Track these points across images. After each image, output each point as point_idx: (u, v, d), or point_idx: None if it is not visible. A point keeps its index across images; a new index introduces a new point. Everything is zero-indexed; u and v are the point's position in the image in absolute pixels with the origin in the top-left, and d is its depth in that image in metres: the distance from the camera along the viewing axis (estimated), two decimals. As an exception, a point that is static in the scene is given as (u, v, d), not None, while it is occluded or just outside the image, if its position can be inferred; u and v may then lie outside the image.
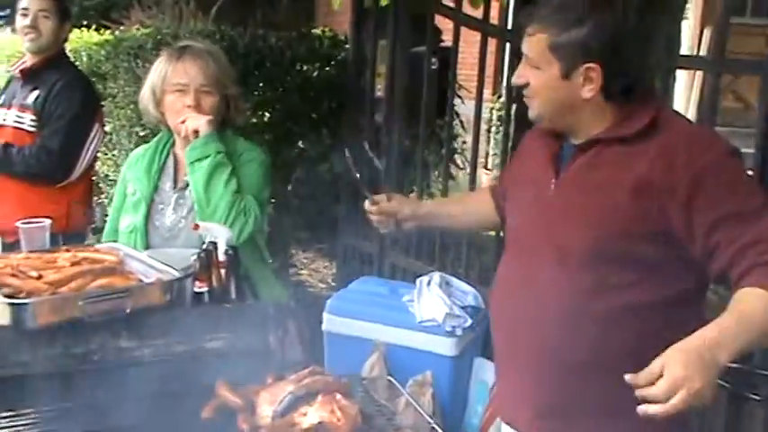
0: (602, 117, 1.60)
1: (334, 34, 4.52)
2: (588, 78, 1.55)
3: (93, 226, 3.80)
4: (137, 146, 4.47)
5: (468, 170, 5.31)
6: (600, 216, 1.55)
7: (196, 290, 1.88)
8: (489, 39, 3.39)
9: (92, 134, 3.13)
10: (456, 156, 5.56)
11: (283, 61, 4.15)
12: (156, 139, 2.42)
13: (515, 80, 1.64)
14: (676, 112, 1.72)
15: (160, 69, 2.27)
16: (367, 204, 2.05)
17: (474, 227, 2.22)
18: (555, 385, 1.63)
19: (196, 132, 2.20)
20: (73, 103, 3.04)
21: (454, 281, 3.09)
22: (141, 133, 4.58)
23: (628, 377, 1.28)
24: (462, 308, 2.90)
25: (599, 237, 1.55)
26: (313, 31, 5.02)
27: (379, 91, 3.83)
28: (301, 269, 5.52)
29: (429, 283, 3.01)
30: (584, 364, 1.59)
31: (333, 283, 5.06)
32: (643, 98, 1.61)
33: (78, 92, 3.10)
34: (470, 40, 3.52)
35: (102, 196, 5.48)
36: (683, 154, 1.49)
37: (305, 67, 4.33)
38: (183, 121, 2.23)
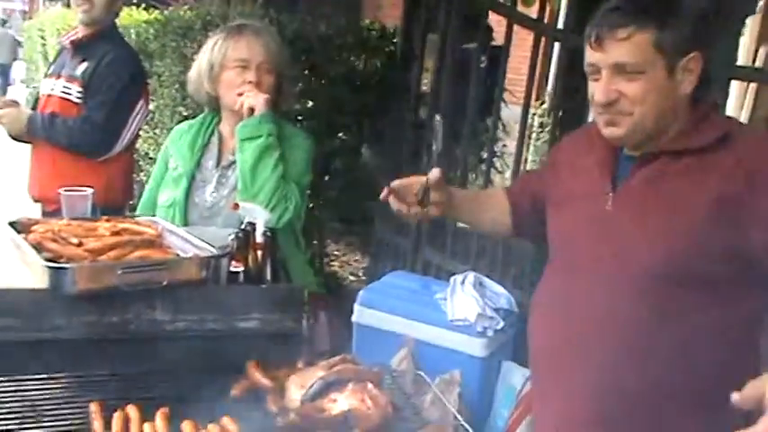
0: (674, 121, 1.49)
1: (382, 26, 4.49)
2: (688, 70, 1.45)
3: (132, 203, 3.83)
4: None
5: (506, 174, 5.27)
6: (671, 233, 1.44)
7: (232, 269, 1.87)
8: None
9: (136, 109, 3.13)
10: (494, 159, 5.50)
11: (330, 50, 4.14)
12: (201, 115, 2.42)
13: (604, 97, 1.47)
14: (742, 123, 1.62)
15: (219, 45, 2.25)
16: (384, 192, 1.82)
17: (487, 228, 2.02)
18: (612, 414, 1.53)
19: (251, 110, 2.19)
20: (120, 76, 3.05)
21: (488, 282, 3.06)
22: (185, 113, 4.59)
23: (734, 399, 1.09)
24: (495, 310, 2.87)
25: (669, 255, 1.44)
26: (362, 21, 5.00)
27: (425, 86, 3.80)
28: (333, 260, 5.51)
29: (463, 282, 2.98)
30: (645, 392, 1.48)
31: (363, 277, 5.04)
32: (710, 106, 1.53)
33: (126, 66, 3.11)
34: (517, 43, 3.48)
35: (142, 174, 5.53)
36: (764, 167, 1.39)
37: (351, 58, 4.30)
38: (240, 94, 2.22)
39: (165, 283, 1.62)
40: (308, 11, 4.60)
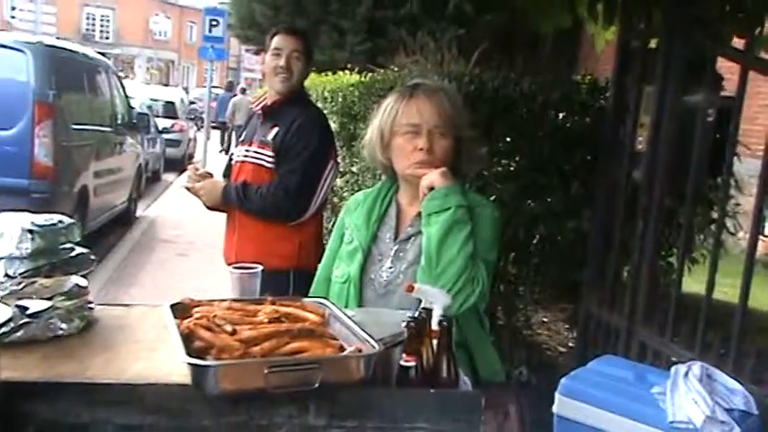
0: None
1: (593, 79, 4.13)
2: None
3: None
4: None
5: (738, 235, 4.62)
6: None
7: (403, 363, 1.63)
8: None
9: (326, 171, 3.08)
10: (726, 219, 4.87)
11: (534, 107, 3.85)
12: (378, 184, 2.23)
13: None
14: None
15: (389, 109, 2.08)
16: None
17: None
18: None
19: (431, 189, 1.97)
20: (310, 140, 3.02)
21: (719, 375, 2.56)
22: (384, 177, 4.52)
23: None
24: (728, 411, 2.36)
25: None
26: (573, 76, 4.66)
27: (641, 144, 3.38)
28: (539, 330, 5.12)
29: (687, 375, 2.50)
30: None
31: (573, 347, 4.62)
32: None
33: (316, 129, 3.08)
34: (751, 91, 2.98)
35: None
36: None
37: (558, 115, 3.98)
38: (413, 163, 2.03)
39: (317, 384, 1.41)
40: (522, 70, 4.35)
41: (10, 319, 1.30)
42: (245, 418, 1.44)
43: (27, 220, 1.70)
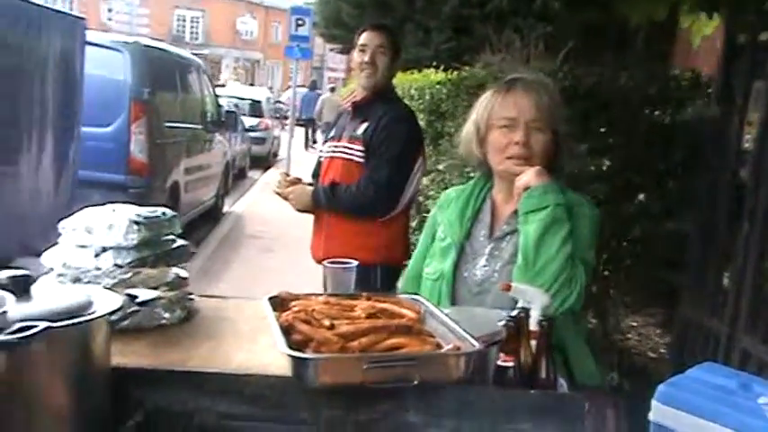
0: None
1: (696, 75, 3.97)
2: None
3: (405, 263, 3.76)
4: (467, 186, 4.39)
5: None
6: None
7: (500, 363, 1.59)
8: None
9: (416, 167, 3.08)
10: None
11: (630, 104, 3.73)
12: (472, 181, 2.20)
13: None
14: None
15: (486, 103, 2.04)
16: None
17: None
18: None
19: (526, 188, 1.93)
20: (399, 136, 3.03)
21: (831, 387, 2.43)
22: (472, 174, 4.47)
23: None
24: (842, 426, 2.24)
25: None
26: (668, 72, 4.50)
27: (748, 142, 3.22)
28: (628, 334, 4.97)
29: (796, 386, 2.39)
30: None
31: (664, 353, 4.46)
32: None
33: (404, 126, 3.10)
34: None
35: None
36: None
37: (655, 112, 3.85)
38: (509, 157, 1.99)
39: (415, 381, 1.39)
40: (612, 66, 4.23)
41: (120, 307, 1.32)
42: (343, 413, 1.44)
43: (133, 211, 1.75)
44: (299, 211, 3.28)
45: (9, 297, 1.08)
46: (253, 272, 7.04)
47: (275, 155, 18.02)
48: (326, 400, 1.43)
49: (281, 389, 1.43)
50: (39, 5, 4.04)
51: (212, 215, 9.51)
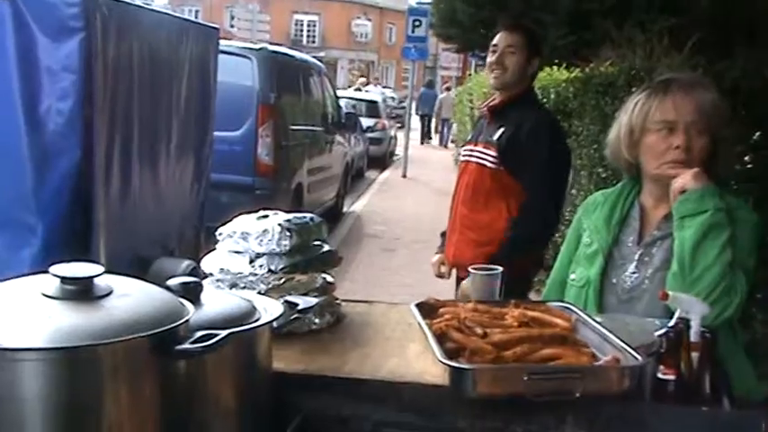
0: None
1: None
2: None
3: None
4: (596, 188, 4.26)
5: None
6: None
7: (660, 376, 1.53)
8: None
9: (569, 177, 3.03)
10: None
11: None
12: (619, 185, 2.11)
13: None
14: None
15: (641, 105, 1.95)
16: None
17: None
18: None
19: (683, 192, 1.84)
20: (541, 148, 2.92)
21: None
22: (603, 174, 4.33)
23: None
24: None
25: None
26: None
27: None
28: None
29: None
30: None
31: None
32: None
33: (544, 136, 2.97)
34: None
35: (557, 235, 5.39)
36: None
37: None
38: (667, 162, 1.89)
39: (577, 394, 1.35)
40: (744, 59, 3.99)
41: (282, 314, 1.35)
42: (501, 424, 1.42)
43: (283, 218, 1.79)
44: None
45: (189, 305, 1.12)
46: (375, 271, 7.12)
47: (392, 154, 18.18)
48: (483, 411, 1.42)
49: (437, 398, 1.42)
50: (181, 18, 4.22)
51: (333, 215, 9.69)
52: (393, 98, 19.50)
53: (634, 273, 1.97)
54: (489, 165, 3.04)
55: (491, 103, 3.16)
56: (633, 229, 2.02)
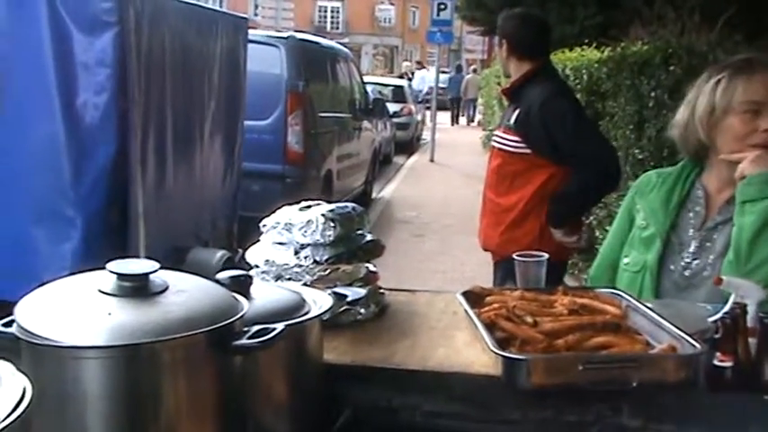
0: None
1: None
2: None
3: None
4: (633, 170, 4.20)
5: None
6: None
7: (716, 363, 1.49)
8: None
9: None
10: None
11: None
12: (679, 165, 2.04)
13: None
14: None
15: (725, 86, 1.85)
16: None
17: None
18: None
19: (742, 177, 1.79)
20: (559, 115, 2.92)
21: None
22: (639, 156, 4.27)
23: None
24: None
25: None
26: None
27: None
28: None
29: None
30: None
31: None
32: None
33: (558, 104, 2.97)
34: None
35: (591, 218, 5.33)
36: None
37: None
38: (754, 145, 1.81)
39: (634, 383, 1.33)
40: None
41: (332, 306, 1.34)
42: (554, 414, 1.40)
43: (326, 208, 1.78)
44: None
45: (243, 300, 1.11)
46: (408, 257, 7.10)
47: (419, 139, 18.13)
48: (537, 401, 1.39)
49: (489, 388, 1.41)
50: (211, 8, 4.24)
51: (362, 201, 9.69)
52: (410, 84, 19.97)
53: (695, 259, 1.91)
54: (509, 149, 3.04)
55: (504, 88, 3.17)
56: (694, 213, 1.95)
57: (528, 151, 2.98)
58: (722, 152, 1.87)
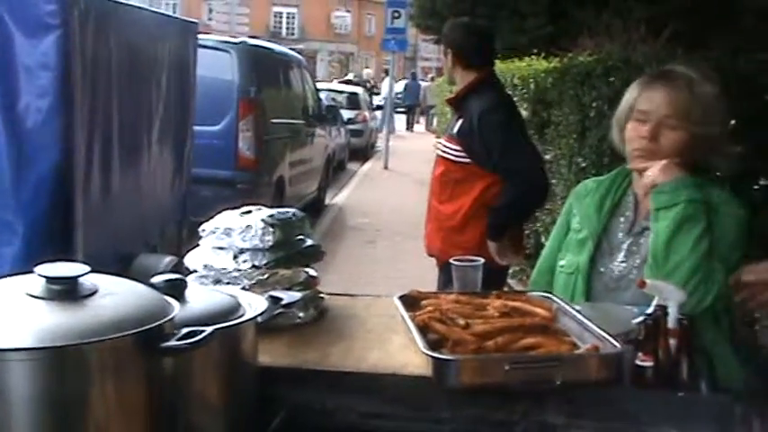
0: None
1: None
2: None
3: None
4: (576, 177, 4.30)
5: None
6: None
7: (638, 363, 1.56)
8: None
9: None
10: None
11: (755, 89, 3.55)
12: (614, 172, 2.11)
13: None
14: None
15: (631, 92, 1.96)
16: None
17: None
18: None
19: (653, 186, 1.86)
20: (493, 128, 3.00)
21: None
22: (582, 164, 4.37)
23: None
24: None
25: None
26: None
27: None
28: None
29: None
30: None
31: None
32: None
33: (495, 117, 3.04)
34: None
35: (538, 225, 5.44)
36: None
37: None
38: (635, 149, 1.91)
39: (558, 382, 1.38)
40: (721, 47, 4.04)
41: (266, 309, 1.37)
42: (482, 412, 1.45)
43: (266, 213, 1.80)
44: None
45: (173, 302, 1.13)
46: (358, 264, 7.13)
47: (373, 146, 18.19)
48: (466, 400, 1.44)
49: (420, 389, 1.45)
50: (159, 13, 4.21)
51: (315, 208, 9.69)
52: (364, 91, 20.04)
53: (623, 262, 1.98)
54: (451, 157, 3.10)
55: (449, 97, 3.24)
56: (624, 218, 2.03)
57: (468, 160, 3.05)
58: (628, 158, 1.97)
